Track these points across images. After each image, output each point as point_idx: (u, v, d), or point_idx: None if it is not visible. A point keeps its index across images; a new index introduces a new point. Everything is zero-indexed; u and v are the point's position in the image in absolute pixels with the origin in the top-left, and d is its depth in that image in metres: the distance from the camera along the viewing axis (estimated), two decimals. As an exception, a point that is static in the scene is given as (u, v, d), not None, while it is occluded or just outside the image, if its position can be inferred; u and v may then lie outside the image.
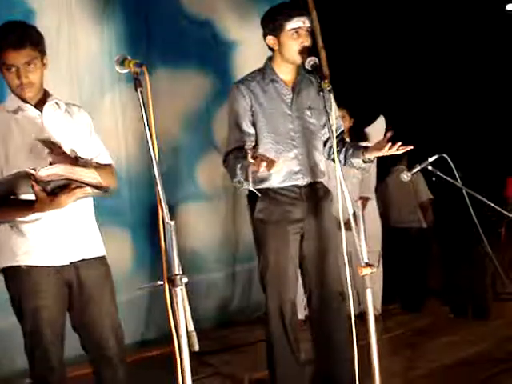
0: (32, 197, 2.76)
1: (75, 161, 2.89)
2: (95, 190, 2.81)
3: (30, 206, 2.80)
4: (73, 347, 3.18)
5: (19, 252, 2.95)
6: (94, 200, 3.11)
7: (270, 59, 3.73)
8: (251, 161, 3.19)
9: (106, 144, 3.24)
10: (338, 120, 3.82)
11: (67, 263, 2.98)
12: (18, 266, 2.95)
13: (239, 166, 3.47)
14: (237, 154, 3.56)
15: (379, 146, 3.48)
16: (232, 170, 3.55)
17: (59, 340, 3.01)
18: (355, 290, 5.41)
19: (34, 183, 2.68)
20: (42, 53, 2.96)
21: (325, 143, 3.76)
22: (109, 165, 3.15)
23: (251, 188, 3.53)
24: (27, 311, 2.96)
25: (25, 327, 2.99)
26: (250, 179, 3.42)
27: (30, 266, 2.94)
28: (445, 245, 7.52)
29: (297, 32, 3.57)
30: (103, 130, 5.05)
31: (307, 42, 3.59)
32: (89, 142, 3.11)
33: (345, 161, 3.71)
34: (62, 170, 2.71)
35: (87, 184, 2.74)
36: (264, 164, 3.17)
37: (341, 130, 3.83)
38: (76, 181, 2.72)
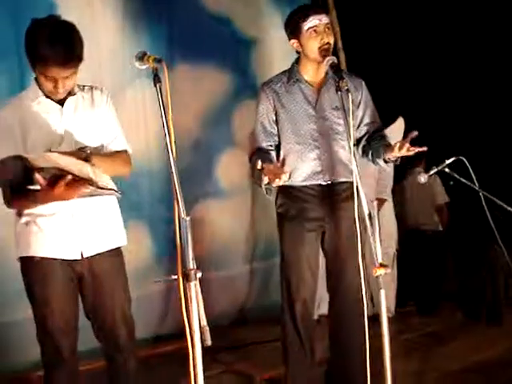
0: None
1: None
2: (100, 190, 2.81)
3: (36, 196, 2.82)
4: (87, 340, 3.22)
5: (33, 244, 3.00)
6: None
7: (297, 61, 3.76)
8: (258, 167, 3.25)
9: (127, 138, 3.24)
10: (374, 117, 3.81)
11: (79, 258, 3.02)
12: (32, 257, 3.00)
13: (255, 171, 3.51)
14: (258, 155, 3.62)
15: (394, 147, 3.47)
16: (252, 171, 3.63)
17: (70, 331, 3.05)
18: (369, 291, 5.41)
19: (35, 172, 2.68)
20: (81, 62, 2.92)
21: (357, 142, 3.72)
22: (122, 151, 3.15)
23: (265, 193, 3.56)
24: (37, 300, 3.02)
25: (36, 316, 3.05)
26: (263, 186, 3.44)
27: (42, 258, 2.99)
28: (459, 248, 7.48)
29: (315, 30, 3.58)
30: (124, 125, 5.10)
31: (327, 39, 3.58)
32: (105, 127, 3.10)
33: (372, 159, 3.71)
34: (54, 157, 2.69)
35: (78, 176, 2.71)
36: (266, 178, 3.25)
37: (373, 126, 3.78)
38: (65, 171, 2.69)
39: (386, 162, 3.62)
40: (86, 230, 3.02)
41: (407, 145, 3.33)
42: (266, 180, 3.27)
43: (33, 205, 2.93)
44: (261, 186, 3.45)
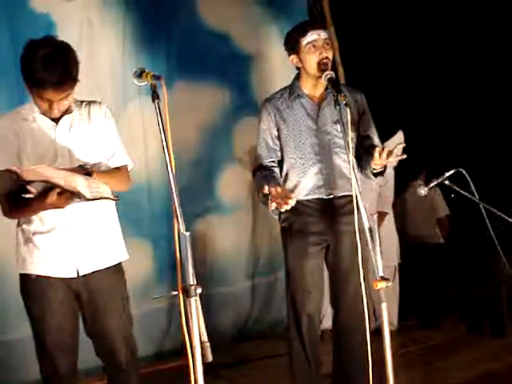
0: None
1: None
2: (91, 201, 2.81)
3: (31, 203, 2.81)
4: (90, 358, 3.21)
5: (30, 261, 3.00)
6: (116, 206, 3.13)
7: (297, 76, 3.78)
8: (265, 191, 3.28)
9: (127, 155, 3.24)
10: (370, 131, 3.81)
11: (75, 276, 3.00)
12: (29, 275, 3.00)
13: (261, 193, 3.54)
14: (262, 172, 3.68)
15: (375, 154, 3.42)
16: (257, 189, 3.68)
17: (69, 349, 3.04)
18: (372, 304, 5.40)
19: (25, 182, 2.68)
20: (76, 84, 2.93)
21: (355, 156, 3.68)
22: (122, 167, 3.14)
23: (271, 213, 3.58)
24: (34, 318, 3.02)
25: (33, 333, 3.05)
26: (269, 206, 3.45)
27: (39, 276, 2.98)
28: (462, 260, 7.47)
29: (313, 45, 3.61)
30: (125, 141, 5.09)
31: (326, 53, 3.61)
32: (103, 142, 3.09)
33: (362, 172, 3.70)
34: (43, 170, 2.69)
35: (65, 189, 2.71)
36: (274, 204, 3.28)
37: (369, 140, 3.78)
38: (53, 183, 2.69)
39: (374, 174, 3.63)
40: (81, 248, 3.00)
41: (386, 150, 3.34)
42: (273, 206, 3.31)
43: (30, 212, 2.91)
44: (267, 205, 3.48)
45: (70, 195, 2.74)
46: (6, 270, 4.37)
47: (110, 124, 3.13)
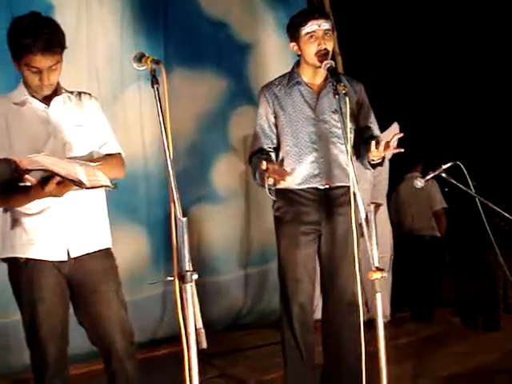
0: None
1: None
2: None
3: (28, 192, 2.77)
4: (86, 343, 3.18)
5: (18, 244, 2.95)
6: (108, 194, 3.10)
7: (297, 63, 3.76)
8: (263, 167, 3.26)
9: (124, 141, 3.23)
10: (371, 122, 3.79)
11: (66, 259, 2.96)
12: (17, 258, 2.95)
13: (258, 171, 3.54)
14: (259, 156, 3.64)
15: (371, 146, 3.41)
16: (253, 172, 3.65)
17: (58, 336, 2.98)
18: (364, 296, 5.40)
19: (24, 174, 2.64)
20: (63, 51, 2.94)
21: (353, 146, 3.62)
22: (116, 154, 3.13)
23: (267, 193, 3.57)
24: (24, 304, 2.97)
25: (23, 319, 3.00)
26: (266, 186, 3.44)
27: (28, 259, 2.93)
28: (457, 254, 7.48)
29: (312, 36, 3.57)
30: (122, 126, 5.05)
31: (325, 45, 3.56)
32: (96, 131, 3.09)
33: (362, 162, 3.68)
34: (42, 160, 2.66)
35: (65, 178, 2.67)
36: (271, 179, 3.31)
37: (370, 131, 3.76)
38: (53, 173, 2.66)
39: (371, 165, 3.61)
40: (72, 229, 2.96)
41: (383, 143, 3.33)
42: (271, 181, 3.31)
43: (25, 200, 2.86)
44: (263, 187, 3.46)
45: (68, 184, 2.71)
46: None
47: (102, 116, 3.15)
